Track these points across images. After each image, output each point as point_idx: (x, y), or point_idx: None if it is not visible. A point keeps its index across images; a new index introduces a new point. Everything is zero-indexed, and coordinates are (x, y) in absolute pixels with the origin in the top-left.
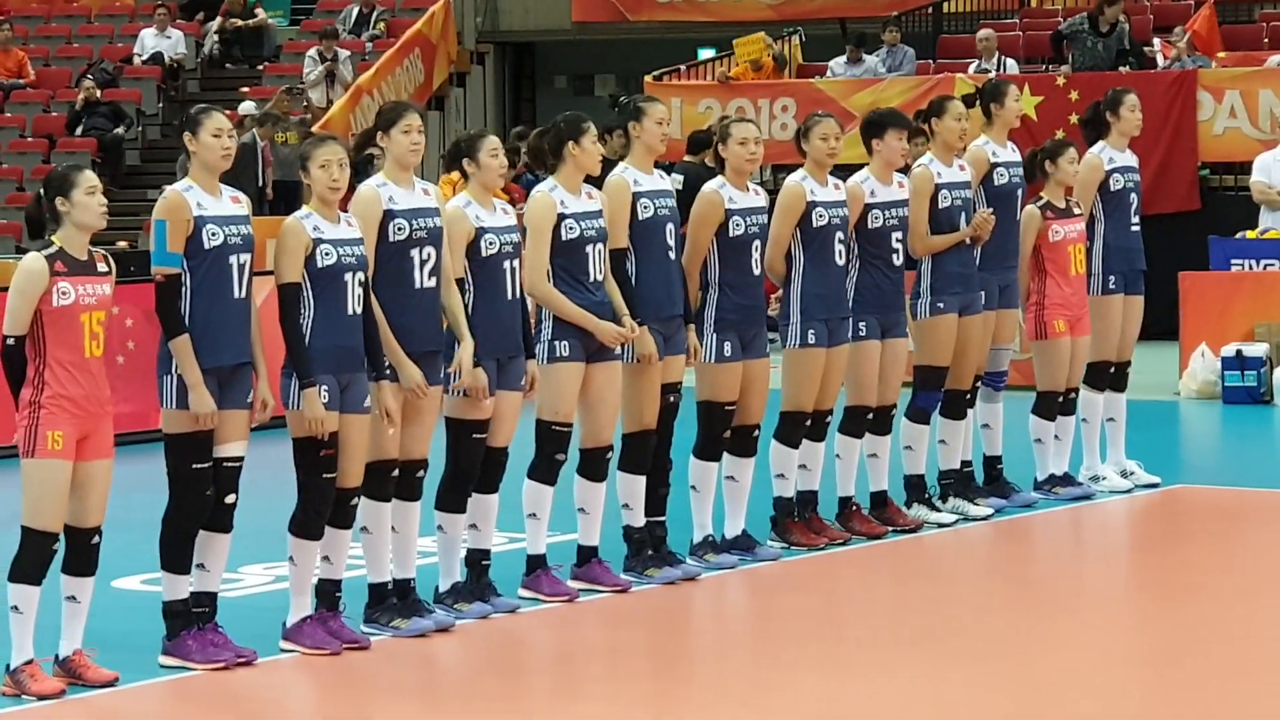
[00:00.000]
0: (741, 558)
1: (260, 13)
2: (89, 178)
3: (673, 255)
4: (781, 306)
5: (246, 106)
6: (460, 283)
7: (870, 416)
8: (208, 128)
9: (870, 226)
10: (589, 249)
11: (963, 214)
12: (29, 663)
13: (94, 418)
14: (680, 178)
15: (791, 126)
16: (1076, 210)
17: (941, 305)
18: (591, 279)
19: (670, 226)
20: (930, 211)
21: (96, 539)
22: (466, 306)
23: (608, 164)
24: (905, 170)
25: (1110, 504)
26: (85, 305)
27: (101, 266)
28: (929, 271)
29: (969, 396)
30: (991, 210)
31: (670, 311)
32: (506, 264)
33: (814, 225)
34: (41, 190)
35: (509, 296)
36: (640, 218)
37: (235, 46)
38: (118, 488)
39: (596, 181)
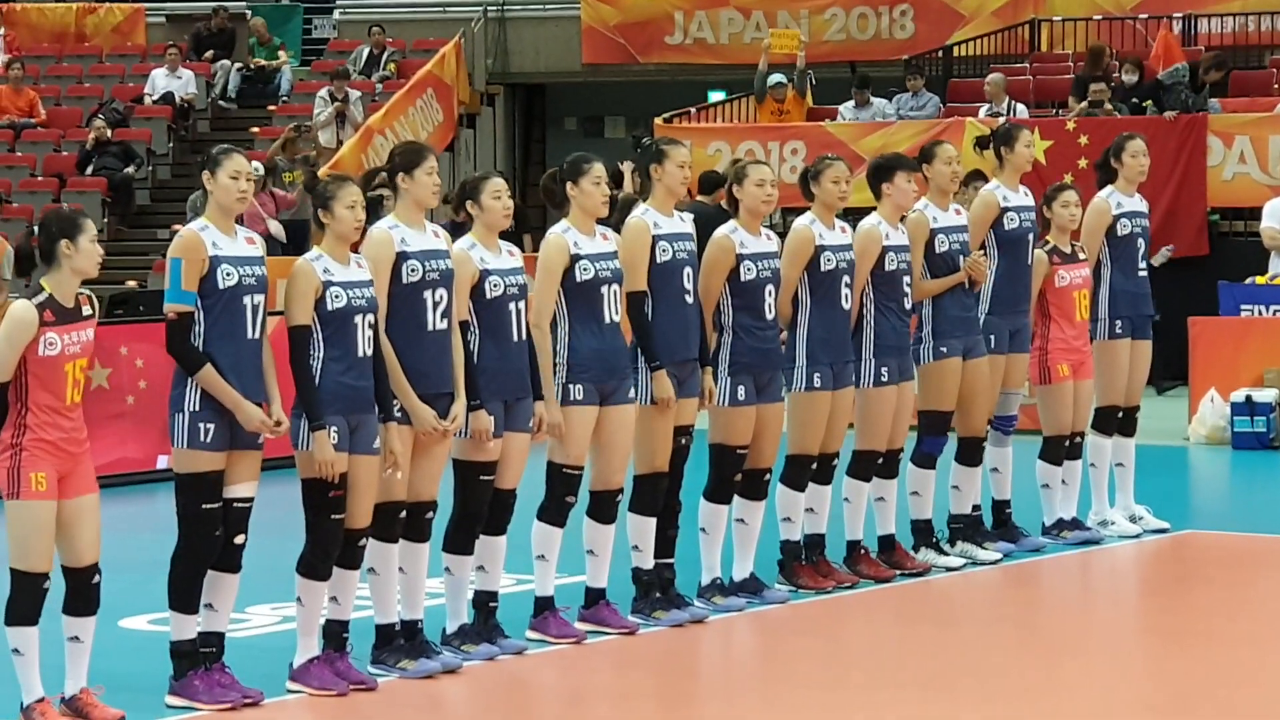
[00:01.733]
0: (749, 600)
1: (283, 55)
2: (92, 226)
3: (690, 299)
4: (786, 349)
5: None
6: (465, 325)
7: (880, 461)
8: (227, 169)
9: (886, 269)
10: (604, 289)
11: (961, 257)
12: (40, 700)
13: (73, 458)
14: (690, 216)
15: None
16: (1082, 255)
17: (944, 349)
18: (607, 320)
19: (688, 270)
20: (928, 256)
21: (96, 578)
22: (473, 348)
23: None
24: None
25: (1119, 549)
26: (70, 355)
27: (85, 310)
28: (931, 316)
29: (984, 442)
30: (983, 252)
31: (685, 355)
32: (512, 305)
33: (822, 269)
34: (40, 228)
35: (515, 338)
36: (659, 260)
37: (247, 85)
38: (126, 527)
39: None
